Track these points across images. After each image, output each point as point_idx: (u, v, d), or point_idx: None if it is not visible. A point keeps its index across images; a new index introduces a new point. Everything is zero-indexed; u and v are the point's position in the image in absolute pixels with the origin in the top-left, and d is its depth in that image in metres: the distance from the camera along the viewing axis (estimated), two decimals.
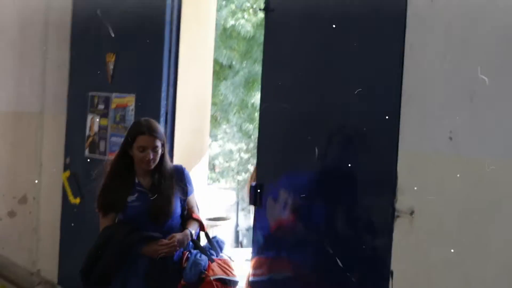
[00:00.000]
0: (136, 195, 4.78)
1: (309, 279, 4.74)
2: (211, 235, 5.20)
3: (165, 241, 4.60)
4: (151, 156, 4.73)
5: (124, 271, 4.65)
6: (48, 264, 7.04)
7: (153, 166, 4.80)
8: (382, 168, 4.25)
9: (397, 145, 4.15)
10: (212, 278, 4.62)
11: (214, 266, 4.66)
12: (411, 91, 4.11)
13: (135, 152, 4.77)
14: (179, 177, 5.00)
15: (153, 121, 4.94)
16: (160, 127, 5.00)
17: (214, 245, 4.90)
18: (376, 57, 4.36)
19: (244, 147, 11.24)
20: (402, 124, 4.14)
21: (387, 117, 4.22)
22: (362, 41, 4.45)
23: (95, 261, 4.87)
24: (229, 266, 4.78)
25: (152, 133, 4.76)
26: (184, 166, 5.15)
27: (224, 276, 4.71)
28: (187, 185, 5.02)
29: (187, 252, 4.77)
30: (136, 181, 4.83)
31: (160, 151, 4.83)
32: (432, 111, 4.01)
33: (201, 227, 4.96)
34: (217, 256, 4.85)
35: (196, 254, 4.70)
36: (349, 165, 4.49)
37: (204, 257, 4.69)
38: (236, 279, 4.84)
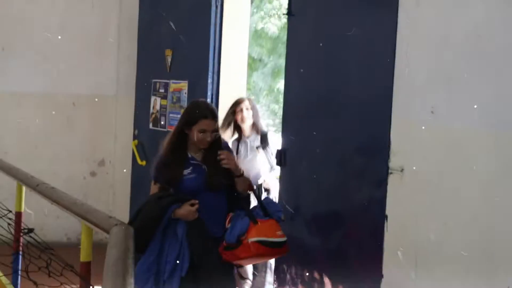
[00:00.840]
0: (190, 168, 4.15)
1: (324, 221, 4.74)
2: (262, 197, 4.73)
3: (193, 201, 3.87)
4: (210, 138, 4.14)
5: (163, 233, 3.88)
6: (121, 213, 6.85)
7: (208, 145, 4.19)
8: (379, 135, 4.24)
9: (390, 116, 4.15)
10: (249, 240, 3.82)
11: (257, 228, 3.82)
12: (401, 74, 4.10)
13: (195, 133, 4.14)
14: (228, 150, 4.32)
15: (211, 104, 4.59)
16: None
17: (264, 205, 4.06)
18: (373, 46, 4.34)
19: (271, 123, 11.28)
20: (394, 100, 4.14)
21: (382, 94, 4.20)
22: (361, 34, 4.40)
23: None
24: (273, 228, 3.89)
25: (214, 117, 4.18)
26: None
27: (264, 238, 3.87)
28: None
29: (231, 214, 4.03)
30: (189, 155, 4.19)
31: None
32: (418, 90, 4.01)
33: (250, 186, 4.22)
34: (264, 217, 3.96)
35: (238, 216, 3.93)
36: (353, 132, 4.46)
37: (246, 219, 3.86)
38: (279, 239, 3.91)
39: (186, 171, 4.13)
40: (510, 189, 3.40)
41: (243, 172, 4.13)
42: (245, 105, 5.59)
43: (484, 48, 3.59)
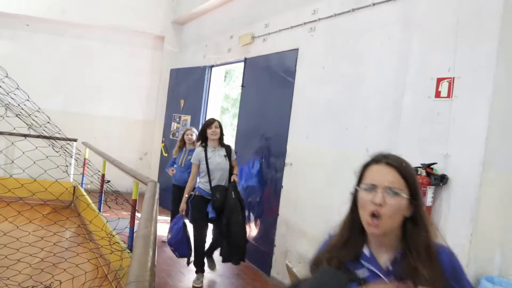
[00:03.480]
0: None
1: (253, 189, 4.51)
2: None
3: None
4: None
5: None
6: (153, 179, 6.60)
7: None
8: (281, 149, 4.10)
9: (287, 137, 4.03)
10: None
11: None
12: (293, 118, 4.00)
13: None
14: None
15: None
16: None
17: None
18: (281, 104, 4.21)
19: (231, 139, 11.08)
20: (289, 129, 4.03)
21: (284, 127, 4.07)
22: (276, 99, 4.27)
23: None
24: None
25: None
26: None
27: None
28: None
29: None
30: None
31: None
32: (300, 126, 3.89)
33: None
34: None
35: None
36: (270, 145, 4.35)
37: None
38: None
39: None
40: (343, 175, 3.32)
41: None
42: (215, 125, 4.75)
43: (332, 109, 3.54)
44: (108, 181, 4.37)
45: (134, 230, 3.20)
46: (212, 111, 6.21)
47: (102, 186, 4.64)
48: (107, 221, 3.94)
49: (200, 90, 6.19)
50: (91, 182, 5.11)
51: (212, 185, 3.55)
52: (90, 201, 4.81)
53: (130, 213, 3.39)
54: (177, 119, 6.75)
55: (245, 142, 4.82)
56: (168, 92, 7.24)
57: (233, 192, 3.52)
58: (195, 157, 3.66)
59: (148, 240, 1.48)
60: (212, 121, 3.73)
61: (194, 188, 3.65)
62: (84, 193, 5.31)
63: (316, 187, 3.58)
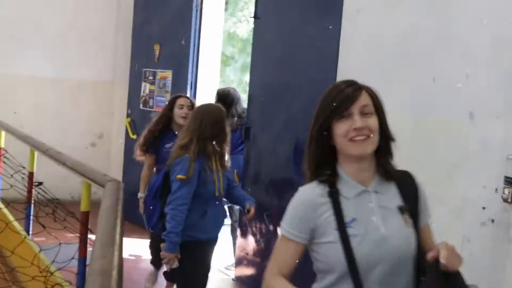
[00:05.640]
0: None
1: (279, 185, 4.67)
2: None
3: None
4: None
5: None
6: (115, 177, 6.74)
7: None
8: None
9: None
10: None
11: None
12: (342, 70, 4.05)
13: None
14: None
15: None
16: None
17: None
18: (321, 47, 4.30)
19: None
20: None
21: (326, 85, 3.95)
22: (311, 37, 4.36)
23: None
24: None
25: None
26: None
27: None
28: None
29: None
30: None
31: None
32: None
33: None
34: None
35: None
36: (303, 115, 4.17)
37: None
38: None
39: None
40: (431, 161, 3.34)
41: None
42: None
43: (408, 49, 3.59)
44: (40, 184, 4.37)
45: (86, 263, 3.22)
46: (207, 63, 6.19)
47: (30, 192, 4.66)
48: (41, 250, 3.91)
49: (186, 28, 6.18)
50: (11, 186, 4.80)
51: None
52: (10, 217, 4.79)
53: (78, 235, 3.46)
54: (151, 77, 6.77)
55: (263, 112, 4.89)
56: (133, 33, 7.24)
57: None
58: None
59: (108, 279, 1.50)
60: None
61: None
62: (0, 205, 5.27)
63: None
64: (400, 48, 3.63)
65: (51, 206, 3.89)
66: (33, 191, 4.65)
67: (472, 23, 3.19)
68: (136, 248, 5.76)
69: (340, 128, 1.83)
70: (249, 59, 5.18)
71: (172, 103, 4.49)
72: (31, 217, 4.73)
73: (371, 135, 1.82)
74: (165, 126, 4.41)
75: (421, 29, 3.49)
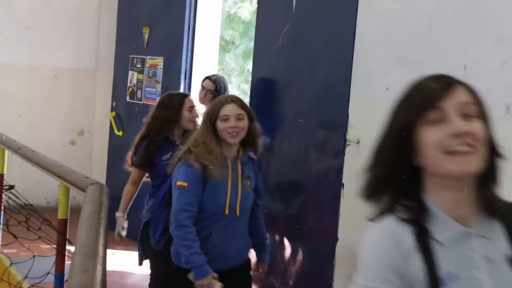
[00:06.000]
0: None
1: (286, 189, 4.74)
2: None
3: None
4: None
5: None
6: (98, 180, 6.91)
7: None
8: (337, 114, 4.24)
9: (349, 93, 4.16)
10: None
11: None
12: (359, 55, 4.11)
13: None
14: None
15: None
16: None
17: None
18: (335, 30, 4.35)
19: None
20: (352, 78, 4.14)
21: (342, 73, 4.20)
22: (324, 18, 4.42)
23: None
24: None
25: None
26: None
27: None
28: None
29: None
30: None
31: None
32: (372, 68, 4.02)
33: None
34: None
35: None
36: (315, 108, 4.46)
37: None
38: None
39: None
40: None
41: None
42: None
43: (434, 33, 3.62)
44: (11, 187, 4.32)
45: (64, 278, 3.30)
46: (203, 48, 6.21)
47: (0, 196, 4.74)
48: (12, 263, 3.95)
49: (180, 8, 6.22)
50: None
51: None
52: None
53: (55, 246, 3.50)
54: (139, 65, 6.81)
55: (267, 104, 4.94)
56: (118, 15, 7.31)
57: None
58: None
59: None
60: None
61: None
62: None
63: None
64: (425, 32, 3.69)
65: (24, 213, 3.86)
66: (3, 195, 4.62)
67: (508, 3, 3.25)
68: (122, 262, 5.73)
69: (431, 136, 1.40)
70: (251, 45, 5.18)
71: (180, 104, 4.12)
72: (1, 226, 4.86)
73: (478, 146, 1.39)
74: (168, 134, 4.02)
75: (449, 10, 3.54)
